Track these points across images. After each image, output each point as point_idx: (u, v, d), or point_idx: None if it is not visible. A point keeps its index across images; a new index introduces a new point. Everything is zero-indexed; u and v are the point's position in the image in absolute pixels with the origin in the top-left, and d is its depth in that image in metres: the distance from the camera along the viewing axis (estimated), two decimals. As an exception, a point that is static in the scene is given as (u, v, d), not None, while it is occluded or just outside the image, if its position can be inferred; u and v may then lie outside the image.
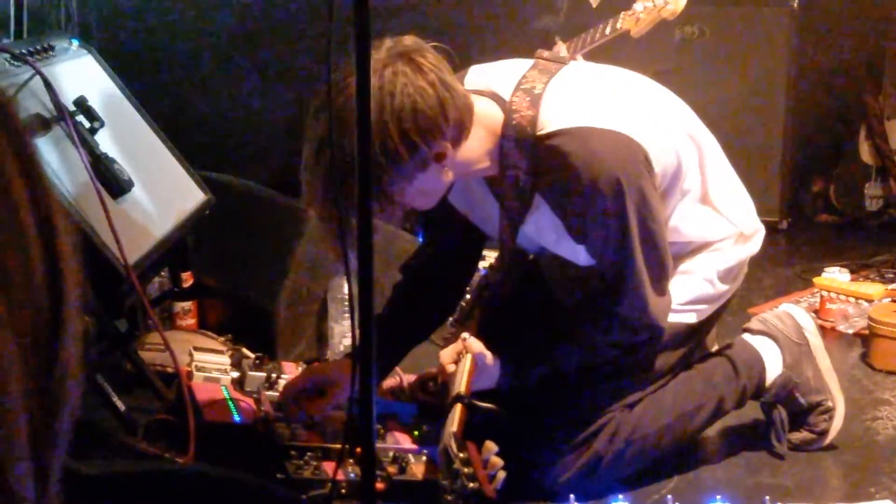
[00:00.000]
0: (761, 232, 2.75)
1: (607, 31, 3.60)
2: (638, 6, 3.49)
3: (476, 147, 2.39)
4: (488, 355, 2.46)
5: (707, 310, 2.64)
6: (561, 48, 3.49)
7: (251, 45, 4.52)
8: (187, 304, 3.38)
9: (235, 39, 4.50)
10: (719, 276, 2.63)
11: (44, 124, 2.49)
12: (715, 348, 2.82)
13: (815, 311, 3.61)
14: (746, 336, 2.82)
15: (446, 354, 2.49)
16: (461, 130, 2.33)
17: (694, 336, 2.66)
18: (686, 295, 2.59)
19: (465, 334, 2.50)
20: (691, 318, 2.62)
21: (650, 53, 3.86)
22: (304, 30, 4.34)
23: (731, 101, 4.63)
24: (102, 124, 2.67)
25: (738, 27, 4.69)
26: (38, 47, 2.77)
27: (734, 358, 2.73)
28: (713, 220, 2.62)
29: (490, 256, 3.49)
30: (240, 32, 4.49)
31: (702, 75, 4.59)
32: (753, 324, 2.84)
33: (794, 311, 2.86)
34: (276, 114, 4.47)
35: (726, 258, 2.64)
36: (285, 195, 3.44)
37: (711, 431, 2.79)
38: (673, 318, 2.54)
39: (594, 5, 3.60)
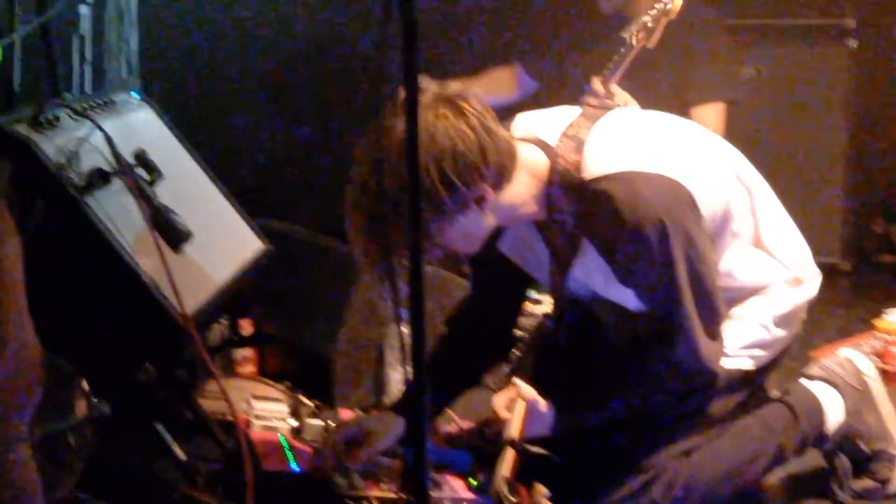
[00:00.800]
0: (817, 276, 2.72)
1: (627, 52, 3.58)
2: (644, 18, 3.48)
3: (520, 192, 2.42)
4: (541, 401, 2.46)
5: (764, 355, 2.62)
6: (595, 83, 3.48)
7: (306, 90, 4.58)
8: (247, 352, 3.41)
9: (290, 84, 4.57)
10: (775, 321, 2.61)
11: (104, 178, 2.53)
12: (775, 394, 2.79)
13: (878, 355, 3.56)
14: (805, 382, 2.79)
15: (500, 400, 2.50)
16: (503, 175, 2.36)
17: (751, 382, 2.63)
18: (741, 340, 2.58)
19: (517, 380, 2.50)
20: (747, 364, 2.60)
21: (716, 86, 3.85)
22: (357, 74, 4.39)
23: (791, 140, 4.60)
24: (161, 176, 2.72)
25: (796, 67, 4.67)
26: (100, 101, 2.84)
27: (794, 404, 2.70)
28: (766, 263, 2.61)
29: (546, 301, 3.50)
30: (293, 77, 4.55)
31: (760, 115, 4.57)
32: (813, 370, 2.81)
33: (854, 357, 2.82)
34: (331, 158, 4.51)
35: (781, 303, 2.62)
36: (342, 241, 3.47)
37: (771, 479, 2.75)
38: (728, 364, 2.53)
39: (638, 43, 3.58)
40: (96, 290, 2.54)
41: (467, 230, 2.37)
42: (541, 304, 3.59)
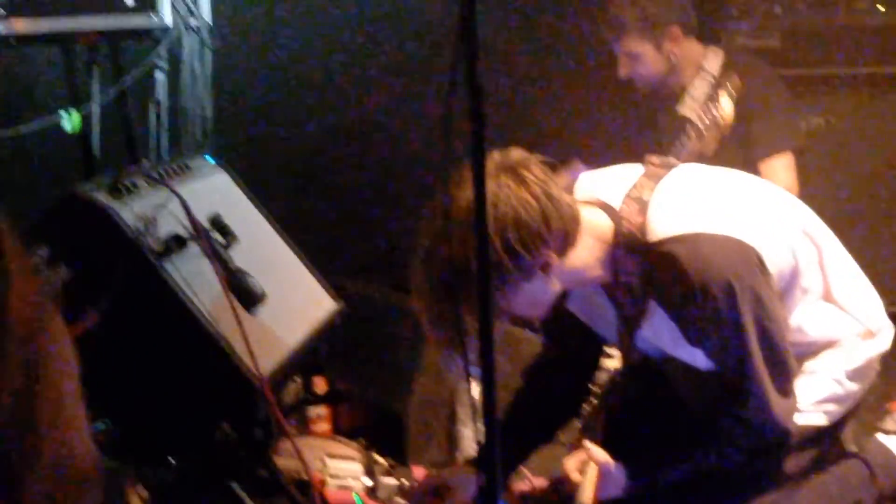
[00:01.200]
0: (890, 327, 2.70)
1: (681, 149, 3.58)
2: (698, 123, 3.50)
3: (585, 256, 2.43)
4: (612, 463, 2.45)
5: (837, 410, 2.60)
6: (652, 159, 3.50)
7: (372, 150, 4.64)
8: (321, 410, 3.44)
9: (363, 145, 4.63)
10: (847, 375, 2.59)
11: (181, 243, 2.59)
12: (851, 449, 2.76)
13: (958, 407, 3.50)
14: (882, 437, 2.76)
15: (571, 463, 2.50)
16: (567, 240, 2.37)
17: (826, 438, 2.61)
18: (814, 396, 2.56)
19: (587, 443, 2.50)
20: (821, 420, 2.57)
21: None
22: (423, 139, 4.44)
23: (860, 190, 4.56)
24: (236, 239, 2.77)
25: (864, 116, 4.63)
26: (176, 167, 2.91)
27: (870, 460, 2.66)
28: (837, 317, 2.59)
29: (618, 355, 3.49)
30: (361, 138, 4.62)
31: (829, 165, 4.54)
32: (888, 424, 2.78)
33: (931, 409, 2.79)
34: (404, 217, 4.55)
35: (853, 356, 2.60)
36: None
37: (849, 535, 2.72)
38: (802, 420, 2.51)
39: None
40: (174, 352, 2.58)
41: (533, 296, 2.39)
42: (612, 359, 3.58)
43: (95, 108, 3.56)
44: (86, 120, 3.53)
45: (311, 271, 3.15)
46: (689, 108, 3.80)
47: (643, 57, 3.79)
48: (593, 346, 2.86)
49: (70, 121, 3.41)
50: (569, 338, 2.78)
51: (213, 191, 2.99)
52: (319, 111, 4.64)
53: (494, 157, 2.33)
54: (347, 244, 4.54)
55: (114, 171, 2.74)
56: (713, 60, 3.85)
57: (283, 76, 4.63)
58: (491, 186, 2.26)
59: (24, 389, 0.72)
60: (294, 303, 2.96)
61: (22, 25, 3.43)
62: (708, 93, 3.71)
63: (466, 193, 1.97)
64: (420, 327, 3.33)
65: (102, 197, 2.53)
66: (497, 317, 2.35)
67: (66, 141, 3.55)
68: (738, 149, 3.70)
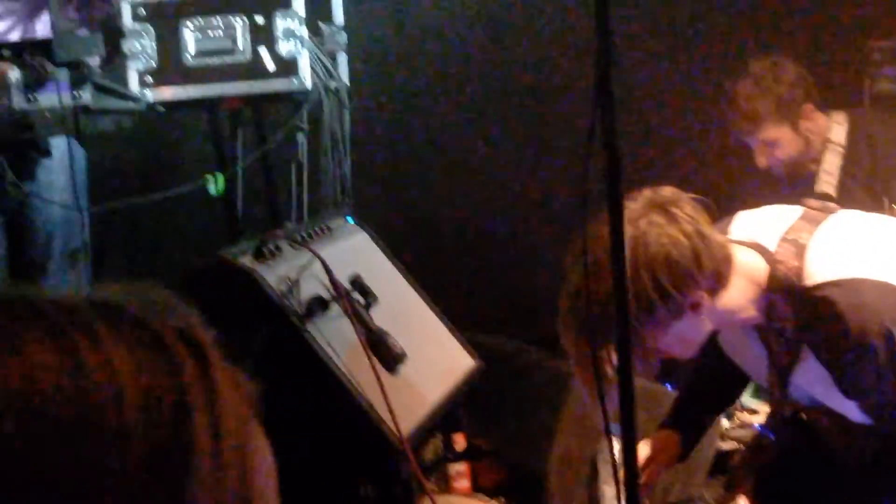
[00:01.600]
0: None
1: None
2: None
3: (737, 297, 2.38)
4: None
5: None
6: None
7: (507, 205, 4.66)
8: (461, 467, 3.44)
9: (491, 200, 4.66)
10: None
11: (323, 304, 2.64)
12: None
13: None
14: None
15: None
16: (718, 280, 2.33)
17: None
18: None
19: (740, 500, 2.46)
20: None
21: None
22: (557, 194, 4.45)
23: None
24: (376, 299, 2.81)
25: None
26: (317, 229, 2.97)
27: None
28: None
29: (762, 410, 3.43)
30: (495, 194, 4.64)
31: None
32: None
33: None
34: (541, 269, 4.55)
35: None
36: (552, 355, 3.50)
37: None
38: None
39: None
40: (316, 412, 2.63)
41: (683, 336, 2.36)
42: (756, 414, 3.52)
43: (239, 171, 3.66)
44: (230, 182, 3.62)
45: (449, 329, 3.17)
46: (826, 183, 3.74)
47: (781, 141, 3.74)
48: (733, 385, 2.82)
49: (215, 184, 3.51)
50: (713, 371, 2.75)
51: (353, 250, 3.05)
52: (454, 169, 4.69)
53: (645, 195, 2.32)
54: (485, 299, 4.56)
55: (258, 232, 2.81)
56: (838, 130, 3.79)
57: (418, 136, 4.69)
58: (641, 224, 2.25)
59: (242, 500, 0.75)
60: (433, 361, 2.98)
61: (169, 93, 3.55)
62: (840, 165, 3.65)
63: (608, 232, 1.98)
64: (559, 383, 3.34)
65: (248, 261, 2.60)
66: (647, 356, 2.35)
67: (211, 203, 3.64)
68: (869, 191, 3.63)
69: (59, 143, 3.32)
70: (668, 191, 2.34)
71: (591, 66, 1.87)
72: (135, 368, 0.71)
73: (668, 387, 3.51)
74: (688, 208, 2.31)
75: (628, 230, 2.05)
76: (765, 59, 3.78)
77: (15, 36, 3.71)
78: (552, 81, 4.61)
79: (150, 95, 3.51)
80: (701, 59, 4.62)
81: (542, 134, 4.65)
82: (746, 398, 3.53)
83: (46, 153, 3.37)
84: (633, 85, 4.43)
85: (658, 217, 2.28)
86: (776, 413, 2.66)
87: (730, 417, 3.57)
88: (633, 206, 2.26)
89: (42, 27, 3.79)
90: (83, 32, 3.64)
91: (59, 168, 3.63)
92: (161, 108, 3.57)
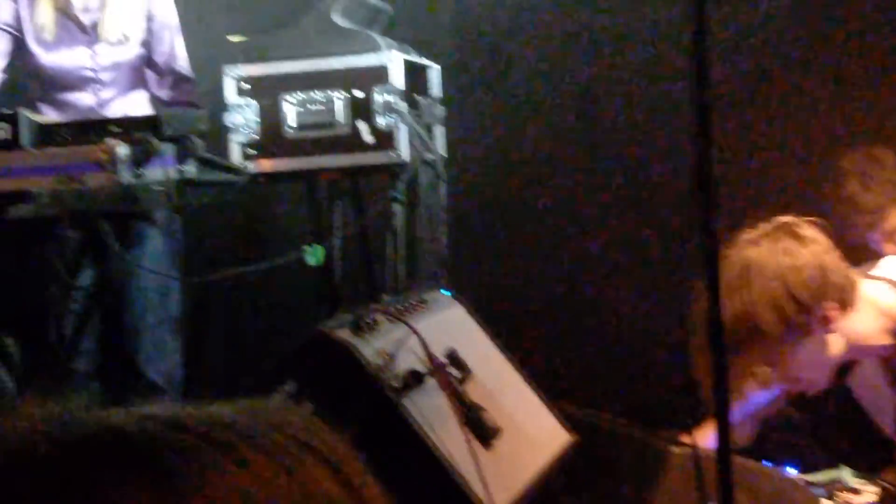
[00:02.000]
0: None
1: None
2: None
3: (867, 322, 2.44)
4: None
5: None
6: None
7: (600, 280, 4.65)
8: (555, 542, 3.41)
9: (587, 274, 4.65)
10: None
11: (419, 379, 2.66)
12: None
13: None
14: None
15: None
16: (845, 298, 2.37)
17: None
18: None
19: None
20: None
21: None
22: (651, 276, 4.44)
23: None
24: (471, 373, 2.82)
25: None
26: (414, 301, 3.00)
27: None
28: None
29: (867, 491, 3.34)
30: (592, 270, 4.64)
31: None
32: None
33: None
34: (633, 343, 4.53)
35: None
36: (648, 431, 3.46)
37: None
38: None
39: None
40: (411, 487, 2.62)
41: (813, 355, 2.40)
42: (859, 494, 3.43)
43: (337, 242, 3.70)
44: (328, 253, 3.67)
45: (544, 403, 3.17)
46: None
47: None
48: None
49: (314, 255, 3.56)
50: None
51: (449, 323, 3.07)
52: (551, 241, 4.69)
53: (769, 221, 2.45)
54: (579, 372, 4.54)
55: (355, 304, 2.84)
56: None
57: (515, 208, 4.71)
58: (769, 242, 2.38)
59: None
60: (528, 436, 2.97)
61: (270, 165, 3.62)
62: None
63: (742, 254, 2.21)
64: (655, 460, 3.29)
65: (345, 334, 2.62)
66: (784, 377, 2.40)
67: (309, 273, 3.69)
68: None
69: (161, 214, 3.41)
70: (790, 217, 2.42)
71: (689, 143, 1.90)
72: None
73: (765, 463, 3.45)
74: (812, 231, 2.37)
75: (756, 249, 2.25)
76: (857, 153, 3.74)
77: (124, 112, 3.84)
78: (649, 151, 4.61)
79: (252, 167, 3.59)
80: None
81: (639, 204, 4.64)
82: (849, 477, 3.45)
83: (151, 223, 3.46)
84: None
85: (786, 238, 2.39)
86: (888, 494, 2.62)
87: (830, 497, 3.48)
88: (759, 229, 2.41)
89: (137, 104, 3.92)
90: (188, 109, 3.76)
91: (161, 237, 3.73)
92: (263, 181, 3.64)
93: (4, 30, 3.86)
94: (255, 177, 3.60)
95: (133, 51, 3.87)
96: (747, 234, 2.38)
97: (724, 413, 1.82)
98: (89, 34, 3.84)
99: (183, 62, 3.95)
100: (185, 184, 3.02)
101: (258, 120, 3.59)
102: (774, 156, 4.56)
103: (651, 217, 4.53)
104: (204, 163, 3.16)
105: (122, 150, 2.74)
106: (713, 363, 1.84)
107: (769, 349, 2.33)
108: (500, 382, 3.07)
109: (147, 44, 3.90)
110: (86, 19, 3.85)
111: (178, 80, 3.93)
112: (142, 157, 2.78)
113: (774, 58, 4.54)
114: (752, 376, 2.39)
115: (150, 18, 3.90)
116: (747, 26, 4.48)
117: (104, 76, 3.85)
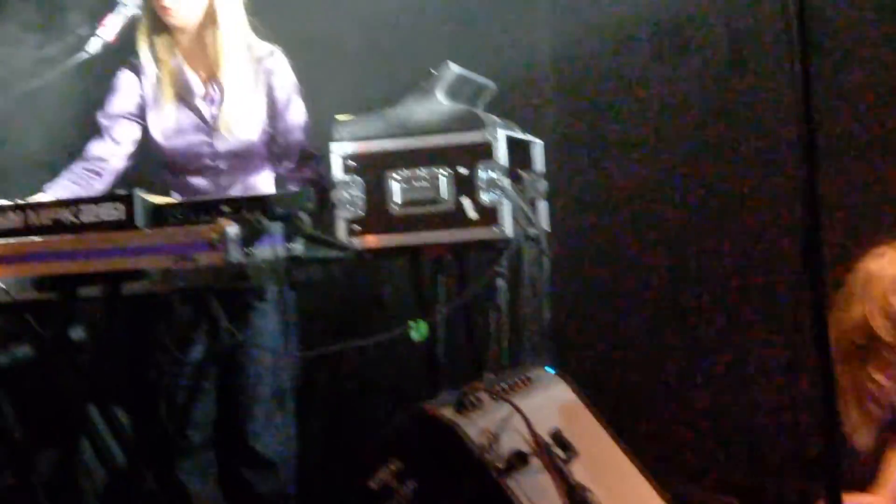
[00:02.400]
0: None
1: None
2: None
3: None
4: None
5: None
6: None
7: (715, 350, 4.58)
8: None
9: (693, 348, 4.59)
10: None
11: (523, 459, 2.65)
12: None
13: None
14: None
15: None
16: None
17: None
18: None
19: None
20: None
21: None
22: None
23: None
24: (576, 453, 2.80)
25: None
26: (517, 379, 3.00)
27: None
28: None
29: None
30: (700, 344, 4.58)
31: None
32: None
33: None
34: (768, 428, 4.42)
35: None
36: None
37: None
38: None
39: None
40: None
41: None
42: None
43: (441, 318, 3.71)
44: (432, 329, 3.68)
45: (649, 482, 3.13)
46: None
47: None
48: None
49: (418, 330, 3.57)
50: None
51: (553, 401, 3.06)
52: (655, 317, 4.65)
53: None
54: (691, 451, 4.47)
55: (458, 381, 2.85)
56: None
57: (620, 283, 4.69)
58: (890, 255, 2.51)
59: None
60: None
61: (375, 241, 3.66)
62: None
63: (867, 265, 2.41)
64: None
65: (450, 413, 2.63)
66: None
67: (413, 348, 3.70)
68: None
69: (271, 290, 3.46)
70: None
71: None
72: None
73: None
74: None
75: (880, 261, 2.47)
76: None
77: (235, 192, 3.93)
78: (758, 224, 4.54)
79: (358, 243, 3.63)
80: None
81: (747, 282, 4.57)
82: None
83: (261, 300, 3.51)
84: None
85: None
86: None
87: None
88: (889, 244, 2.55)
89: (258, 183, 4.00)
90: (296, 187, 3.82)
91: (272, 314, 3.78)
92: (369, 256, 3.68)
93: (130, 119, 4.00)
94: (361, 253, 3.64)
95: (253, 138, 3.96)
96: (877, 248, 2.51)
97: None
98: (208, 124, 3.95)
99: (305, 140, 4.03)
100: (292, 261, 3.07)
101: (364, 196, 3.64)
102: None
103: (760, 295, 4.46)
104: (311, 240, 3.21)
105: (232, 229, 2.79)
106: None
107: (886, 357, 2.42)
108: (606, 462, 3.04)
109: (270, 125, 3.99)
110: (206, 111, 3.96)
111: (303, 157, 4.01)
112: (251, 236, 2.83)
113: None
114: (872, 383, 2.47)
115: (272, 103, 3.98)
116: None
117: (222, 164, 3.95)
